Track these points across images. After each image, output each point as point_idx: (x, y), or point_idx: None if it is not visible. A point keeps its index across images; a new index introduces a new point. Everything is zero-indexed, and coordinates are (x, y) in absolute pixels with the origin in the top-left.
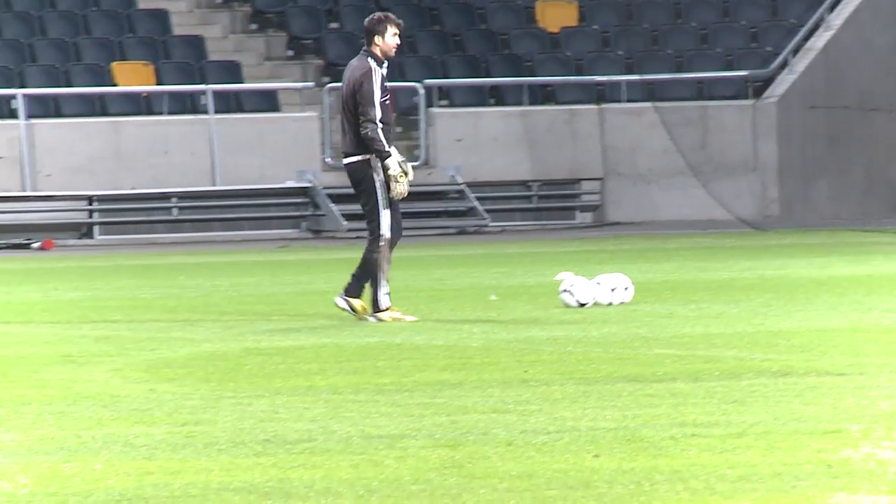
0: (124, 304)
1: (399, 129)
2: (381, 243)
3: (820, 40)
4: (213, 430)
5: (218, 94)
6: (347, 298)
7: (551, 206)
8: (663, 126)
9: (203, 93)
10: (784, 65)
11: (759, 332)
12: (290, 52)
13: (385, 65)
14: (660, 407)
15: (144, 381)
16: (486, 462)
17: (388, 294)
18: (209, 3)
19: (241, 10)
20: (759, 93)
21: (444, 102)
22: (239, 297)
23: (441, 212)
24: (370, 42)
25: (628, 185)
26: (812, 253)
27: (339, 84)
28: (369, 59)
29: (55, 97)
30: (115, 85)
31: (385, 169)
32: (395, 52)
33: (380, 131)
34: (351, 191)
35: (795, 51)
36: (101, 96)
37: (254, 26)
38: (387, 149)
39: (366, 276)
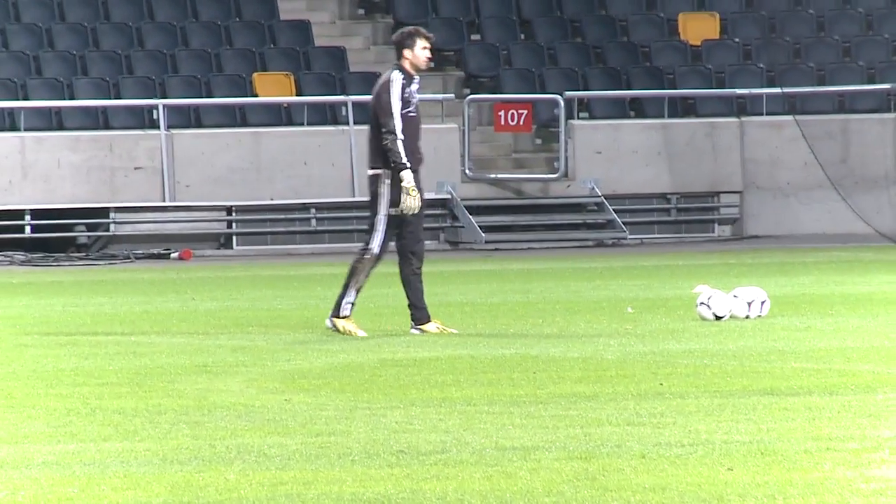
0: (261, 315)
1: (538, 142)
2: (367, 256)
3: None
4: (346, 440)
5: (358, 105)
6: (419, 327)
7: (690, 219)
8: (804, 139)
9: (343, 104)
10: None
11: None
12: (431, 64)
13: (417, 79)
14: (794, 420)
15: (279, 391)
16: (620, 475)
17: (353, 305)
18: (351, 14)
19: (383, 21)
20: None
21: (584, 114)
22: (375, 308)
23: (580, 224)
24: (399, 55)
25: (768, 198)
26: None
27: (481, 96)
28: (395, 71)
29: (196, 108)
30: (255, 95)
31: (399, 181)
32: (427, 65)
33: (399, 143)
34: (490, 203)
35: None
36: (242, 107)
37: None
38: (403, 161)
39: (414, 301)
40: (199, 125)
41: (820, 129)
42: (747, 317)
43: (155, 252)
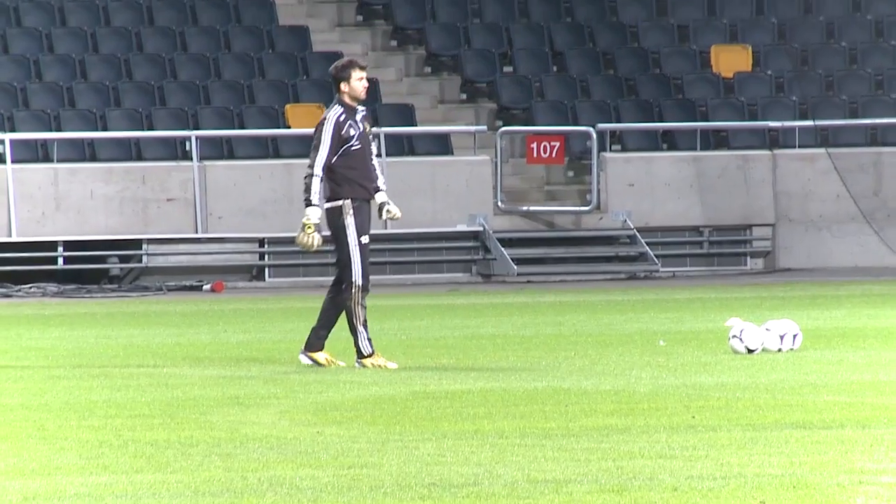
0: (293, 347)
1: (571, 174)
2: (353, 290)
3: None
4: (378, 473)
5: (391, 137)
6: (309, 354)
7: (722, 252)
8: (836, 172)
9: (376, 136)
10: None
11: None
12: (464, 96)
13: (361, 109)
14: (827, 454)
15: (311, 423)
16: None
17: (370, 340)
18: (384, 45)
19: (416, 53)
20: None
21: (616, 147)
22: (408, 340)
23: (612, 256)
24: (337, 89)
25: (800, 231)
26: None
27: (513, 128)
28: (335, 107)
29: (228, 139)
30: (288, 127)
31: (359, 208)
32: (364, 95)
33: (316, 181)
34: (522, 235)
35: None
36: (274, 138)
37: (427, 69)
38: (312, 198)
39: (324, 327)
40: (232, 157)
41: (852, 161)
42: (779, 350)
43: (187, 284)
